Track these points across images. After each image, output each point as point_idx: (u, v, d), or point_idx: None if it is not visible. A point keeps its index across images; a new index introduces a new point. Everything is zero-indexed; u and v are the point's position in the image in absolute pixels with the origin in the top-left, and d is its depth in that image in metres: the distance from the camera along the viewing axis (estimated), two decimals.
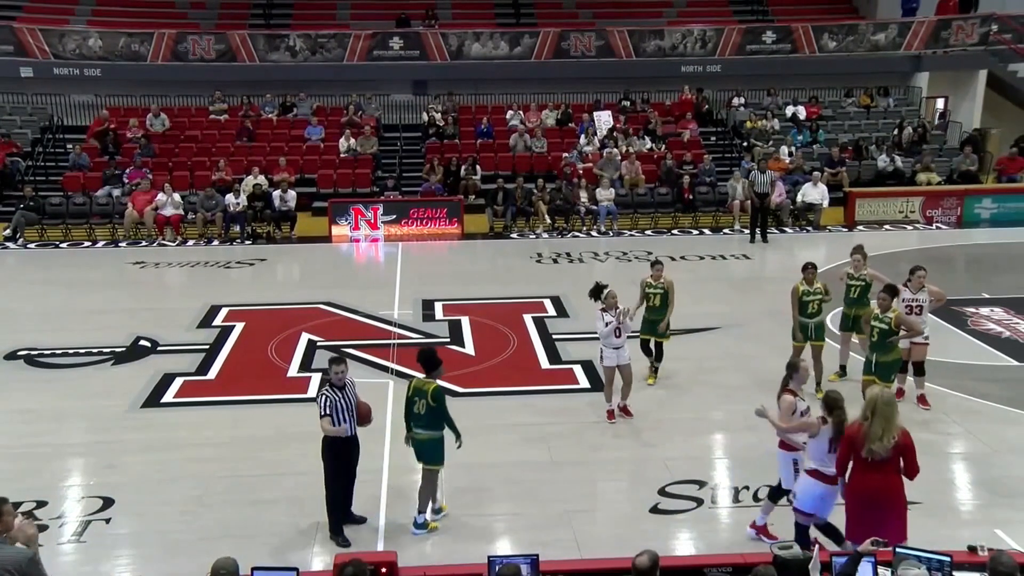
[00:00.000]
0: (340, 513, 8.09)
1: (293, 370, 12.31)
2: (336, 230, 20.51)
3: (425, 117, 24.73)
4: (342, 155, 23.14)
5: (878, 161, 22.83)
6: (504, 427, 10.42)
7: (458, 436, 8.27)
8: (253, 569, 5.96)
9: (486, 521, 8.47)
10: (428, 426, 8.19)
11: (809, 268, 11.04)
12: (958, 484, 8.98)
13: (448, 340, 13.47)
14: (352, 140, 23.29)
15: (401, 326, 14.02)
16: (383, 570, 6.23)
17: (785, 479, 7.78)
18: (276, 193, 20.59)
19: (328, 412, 7.81)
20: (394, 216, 20.66)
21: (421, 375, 8.36)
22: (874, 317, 9.97)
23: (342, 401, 7.87)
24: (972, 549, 6.45)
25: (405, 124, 25.47)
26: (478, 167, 22.44)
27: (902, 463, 6.80)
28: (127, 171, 21.62)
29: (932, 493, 8.31)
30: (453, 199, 21.19)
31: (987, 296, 14.61)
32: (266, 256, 18.75)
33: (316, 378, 11.85)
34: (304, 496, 8.61)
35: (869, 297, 11.04)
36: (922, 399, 10.67)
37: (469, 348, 13.13)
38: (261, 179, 21.04)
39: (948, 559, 6.00)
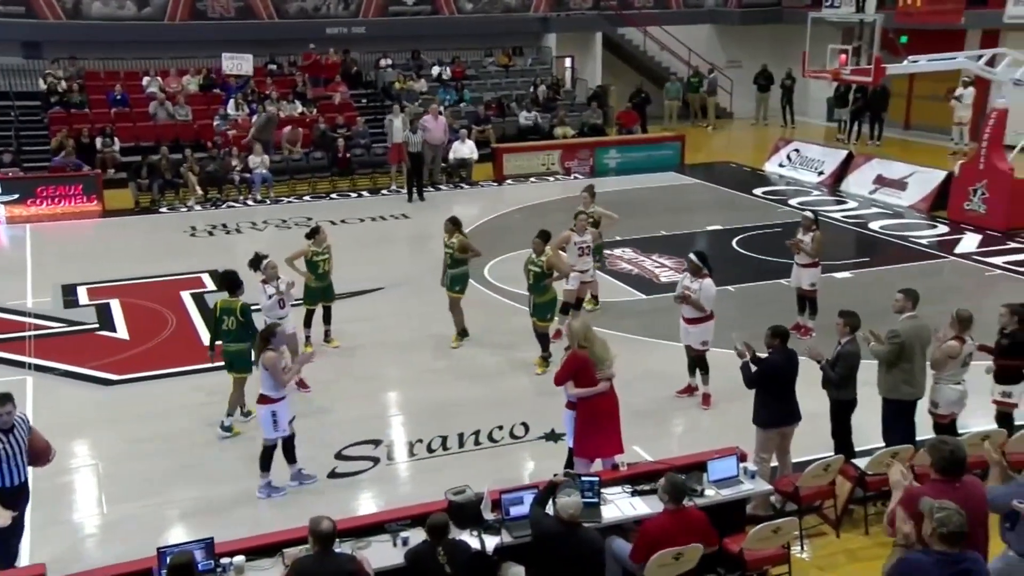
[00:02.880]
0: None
1: None
2: None
3: (43, 84, 22.20)
4: None
5: (519, 117, 24.29)
6: (170, 410, 9.92)
7: None
8: None
9: (157, 511, 8.06)
10: (237, 339, 9.28)
11: (446, 223, 11.54)
12: None
13: (97, 326, 12.46)
14: None
15: (38, 315, 12.74)
16: None
17: (570, 435, 7.98)
18: None
19: None
20: (16, 195, 18.47)
21: (224, 295, 9.46)
22: (529, 261, 10.70)
23: (6, 447, 6.61)
24: (615, 467, 7.25)
25: (19, 92, 22.55)
26: (116, 138, 20.69)
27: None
28: None
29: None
30: (89, 174, 19.36)
31: (619, 238, 16.17)
32: None
33: None
34: None
35: (600, 229, 12.29)
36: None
37: (122, 332, 12.28)
38: None
39: (597, 479, 6.70)
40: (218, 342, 9.48)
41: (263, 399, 8.21)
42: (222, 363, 9.45)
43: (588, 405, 7.69)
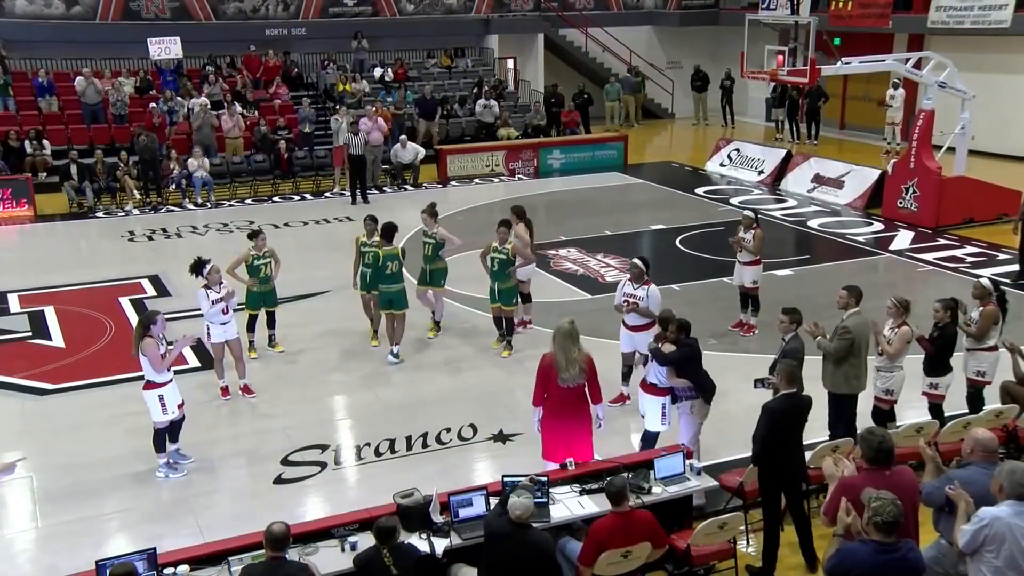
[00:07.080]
0: None
1: None
2: None
3: None
4: None
5: (463, 119, 24.24)
6: (107, 419, 9.71)
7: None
8: None
9: (95, 523, 7.86)
10: (398, 280, 10.86)
11: (367, 220, 11.50)
12: None
13: (30, 334, 12.13)
14: None
15: None
16: None
17: (651, 422, 8.09)
18: None
19: None
20: None
21: (386, 246, 10.81)
22: (493, 249, 10.95)
23: None
24: (563, 467, 7.28)
25: None
26: (46, 141, 20.15)
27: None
28: None
29: (528, 420, 9.12)
30: (19, 178, 18.86)
31: (564, 238, 16.26)
32: None
33: None
34: None
35: (440, 254, 11.53)
36: (523, 323, 11.96)
37: (58, 340, 11.97)
38: None
39: (545, 479, 6.72)
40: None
41: (149, 384, 8.41)
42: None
43: (551, 409, 7.65)
